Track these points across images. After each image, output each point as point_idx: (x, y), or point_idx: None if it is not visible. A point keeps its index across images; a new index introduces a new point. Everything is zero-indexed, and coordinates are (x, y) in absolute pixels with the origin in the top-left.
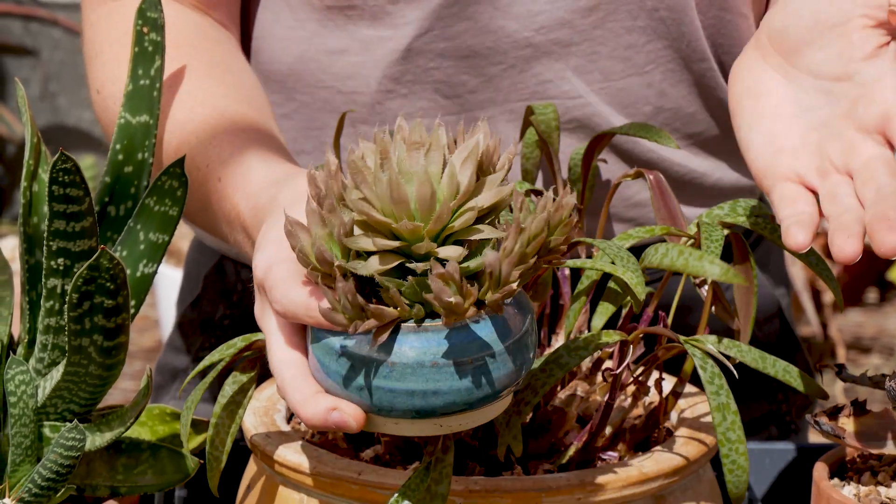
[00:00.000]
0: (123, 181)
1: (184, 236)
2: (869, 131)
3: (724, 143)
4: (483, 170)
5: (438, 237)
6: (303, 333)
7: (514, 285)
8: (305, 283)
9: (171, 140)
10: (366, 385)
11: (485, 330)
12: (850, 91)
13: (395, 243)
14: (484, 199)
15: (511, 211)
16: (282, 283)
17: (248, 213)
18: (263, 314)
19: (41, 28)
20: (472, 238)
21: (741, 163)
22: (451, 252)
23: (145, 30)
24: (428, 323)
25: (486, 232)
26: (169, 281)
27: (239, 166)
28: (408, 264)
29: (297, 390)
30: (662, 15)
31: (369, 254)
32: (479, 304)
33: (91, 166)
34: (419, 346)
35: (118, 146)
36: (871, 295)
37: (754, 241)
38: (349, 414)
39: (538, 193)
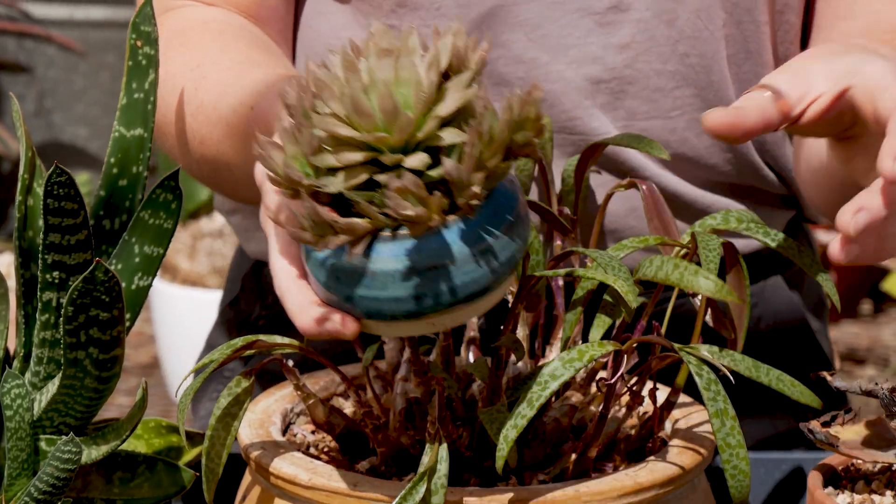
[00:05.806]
0: (118, 194)
1: (178, 251)
2: None
3: (740, 189)
4: (454, 70)
5: (407, 147)
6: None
7: (477, 189)
8: None
9: (193, 84)
10: (353, 295)
11: (459, 233)
12: None
13: (361, 157)
14: (447, 105)
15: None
16: (271, 189)
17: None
18: (264, 216)
19: (36, 45)
20: (441, 144)
21: (749, 197)
22: (416, 162)
23: (139, 43)
24: (404, 231)
25: (446, 138)
26: (165, 297)
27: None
28: (376, 176)
29: (293, 300)
30: (692, 62)
31: (338, 170)
32: (457, 207)
33: (86, 182)
34: (396, 254)
35: (112, 159)
36: (866, 306)
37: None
38: (341, 323)
39: (533, 206)
